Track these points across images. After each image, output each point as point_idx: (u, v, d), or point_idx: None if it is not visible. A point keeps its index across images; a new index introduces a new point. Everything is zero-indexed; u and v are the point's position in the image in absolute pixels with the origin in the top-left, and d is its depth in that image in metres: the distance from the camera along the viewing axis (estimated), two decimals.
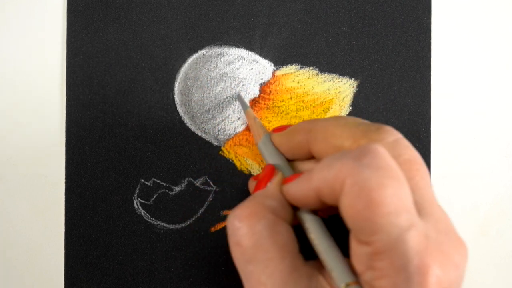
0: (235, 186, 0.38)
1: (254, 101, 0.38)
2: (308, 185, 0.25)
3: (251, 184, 0.34)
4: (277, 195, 0.28)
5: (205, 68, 0.38)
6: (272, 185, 0.28)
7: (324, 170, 0.24)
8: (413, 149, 0.26)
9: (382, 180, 0.22)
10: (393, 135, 0.26)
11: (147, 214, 0.38)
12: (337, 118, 0.28)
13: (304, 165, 0.31)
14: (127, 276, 0.37)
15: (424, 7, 0.39)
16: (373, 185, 0.22)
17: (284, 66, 0.39)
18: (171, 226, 0.38)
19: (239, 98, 0.37)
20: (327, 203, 0.25)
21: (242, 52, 0.38)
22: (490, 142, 0.39)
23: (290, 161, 0.31)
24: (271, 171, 0.29)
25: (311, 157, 0.30)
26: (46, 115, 0.38)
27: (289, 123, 0.38)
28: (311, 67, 0.39)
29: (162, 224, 0.38)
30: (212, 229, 0.38)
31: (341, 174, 0.23)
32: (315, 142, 0.28)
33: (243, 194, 0.38)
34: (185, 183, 0.38)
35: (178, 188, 0.38)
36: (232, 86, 0.38)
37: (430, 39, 0.39)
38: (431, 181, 0.25)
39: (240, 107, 0.38)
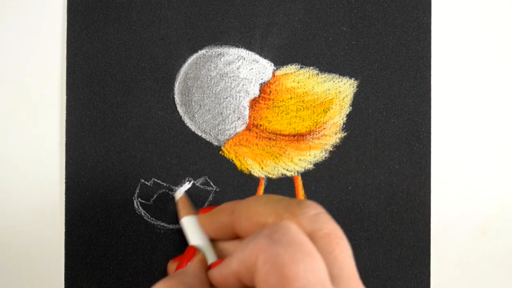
0: (235, 186, 0.38)
1: (254, 101, 0.38)
2: (229, 269, 0.26)
3: (171, 266, 0.35)
4: (195, 273, 0.29)
5: (205, 68, 0.38)
6: (192, 264, 0.30)
7: (241, 252, 0.25)
8: (333, 223, 0.26)
9: (294, 255, 0.22)
10: (315, 209, 0.27)
11: (147, 214, 0.38)
12: (258, 197, 0.29)
13: (229, 245, 0.32)
14: (127, 276, 0.37)
15: (424, 7, 0.39)
16: (285, 261, 0.22)
17: (284, 66, 0.39)
18: (171, 226, 0.38)
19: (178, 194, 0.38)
20: (247, 285, 0.25)
21: (242, 52, 0.38)
22: (490, 142, 0.39)
23: (214, 241, 0.32)
24: (192, 252, 0.31)
25: (236, 236, 0.31)
26: (46, 115, 0.38)
27: (289, 123, 0.38)
28: (311, 67, 0.39)
29: (162, 224, 0.38)
30: None
31: (254, 252, 0.24)
32: (239, 221, 0.29)
33: (243, 194, 0.38)
34: (186, 183, 0.38)
35: (182, 189, 0.38)
36: (232, 86, 0.38)
37: (430, 39, 0.39)
38: (351, 254, 0.25)
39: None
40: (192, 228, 0.33)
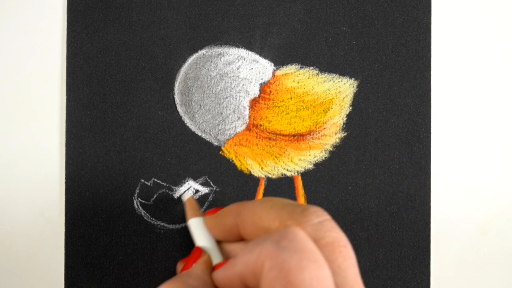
0: (235, 186, 0.38)
1: (254, 101, 0.38)
2: (233, 271, 0.26)
3: (179, 266, 0.35)
4: (200, 275, 0.29)
5: (205, 68, 0.38)
6: (197, 266, 0.30)
7: (246, 255, 0.25)
8: (337, 230, 0.26)
9: (300, 263, 0.22)
10: (319, 216, 0.26)
11: (147, 214, 0.38)
12: (264, 200, 0.29)
13: (234, 247, 0.32)
14: (127, 276, 0.37)
15: (424, 7, 0.39)
16: (291, 268, 0.22)
17: (284, 66, 0.39)
18: (171, 226, 0.38)
19: (186, 196, 0.38)
20: (250, 287, 0.25)
21: (242, 52, 0.38)
22: (490, 142, 0.39)
23: (220, 243, 0.32)
24: (198, 253, 0.31)
25: (242, 238, 0.31)
26: (46, 115, 0.38)
27: (289, 123, 0.38)
28: (311, 67, 0.39)
29: (162, 224, 0.38)
30: None
31: (260, 257, 0.23)
32: (243, 225, 0.29)
33: (243, 194, 0.38)
34: (186, 183, 0.38)
35: (182, 189, 0.38)
36: (232, 86, 0.38)
37: (430, 39, 0.39)
38: (355, 262, 0.25)
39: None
40: (199, 230, 0.33)
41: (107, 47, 0.38)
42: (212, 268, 0.30)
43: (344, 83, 0.39)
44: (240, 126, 0.38)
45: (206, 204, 0.38)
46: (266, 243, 0.24)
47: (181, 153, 0.38)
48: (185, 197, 0.37)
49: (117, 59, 0.38)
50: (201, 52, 0.38)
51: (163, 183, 0.38)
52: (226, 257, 0.32)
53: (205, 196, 0.38)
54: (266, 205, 0.28)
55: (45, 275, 0.38)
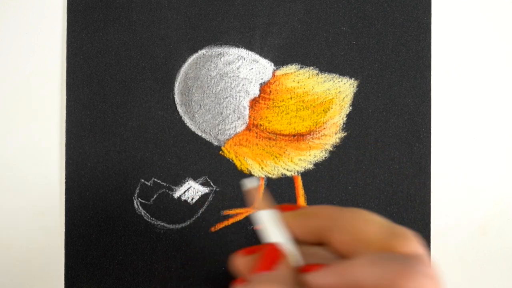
0: (235, 186, 0.38)
1: (254, 101, 0.38)
2: (344, 279, 0.25)
3: (242, 260, 0.29)
4: (291, 281, 0.26)
5: (205, 68, 0.38)
6: (286, 270, 0.27)
7: (369, 267, 0.24)
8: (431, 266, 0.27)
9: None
10: (417, 248, 0.27)
11: (147, 214, 0.38)
12: (362, 213, 0.28)
13: (314, 250, 0.29)
14: (127, 276, 0.37)
15: (424, 7, 0.39)
16: None
17: (284, 66, 0.39)
18: (171, 226, 0.38)
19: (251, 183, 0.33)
20: None
21: (242, 52, 0.38)
22: (490, 142, 0.39)
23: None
24: (277, 252, 0.28)
25: (320, 243, 0.29)
26: (46, 115, 0.38)
27: (289, 123, 0.38)
28: (311, 67, 0.39)
29: (162, 224, 0.38)
30: (212, 229, 0.38)
31: (396, 275, 0.24)
32: (340, 231, 0.28)
33: (243, 194, 0.38)
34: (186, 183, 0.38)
35: (182, 189, 0.38)
36: (232, 86, 0.38)
37: (430, 39, 0.39)
38: None
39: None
40: (275, 225, 0.29)
41: (107, 47, 0.38)
42: (298, 271, 0.27)
43: (344, 83, 0.39)
44: (240, 126, 0.38)
45: (206, 204, 0.38)
46: (399, 264, 0.24)
47: (181, 153, 0.38)
48: (252, 184, 0.31)
49: (117, 59, 0.38)
50: (201, 52, 0.38)
51: (163, 183, 0.38)
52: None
53: (205, 196, 0.38)
54: (366, 218, 0.27)
55: (45, 275, 0.38)
